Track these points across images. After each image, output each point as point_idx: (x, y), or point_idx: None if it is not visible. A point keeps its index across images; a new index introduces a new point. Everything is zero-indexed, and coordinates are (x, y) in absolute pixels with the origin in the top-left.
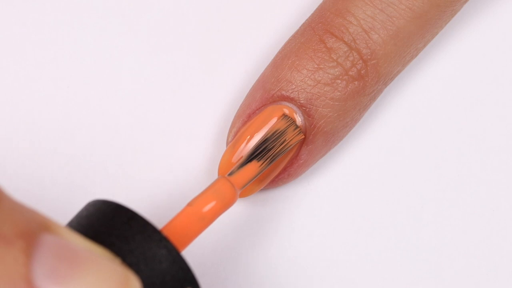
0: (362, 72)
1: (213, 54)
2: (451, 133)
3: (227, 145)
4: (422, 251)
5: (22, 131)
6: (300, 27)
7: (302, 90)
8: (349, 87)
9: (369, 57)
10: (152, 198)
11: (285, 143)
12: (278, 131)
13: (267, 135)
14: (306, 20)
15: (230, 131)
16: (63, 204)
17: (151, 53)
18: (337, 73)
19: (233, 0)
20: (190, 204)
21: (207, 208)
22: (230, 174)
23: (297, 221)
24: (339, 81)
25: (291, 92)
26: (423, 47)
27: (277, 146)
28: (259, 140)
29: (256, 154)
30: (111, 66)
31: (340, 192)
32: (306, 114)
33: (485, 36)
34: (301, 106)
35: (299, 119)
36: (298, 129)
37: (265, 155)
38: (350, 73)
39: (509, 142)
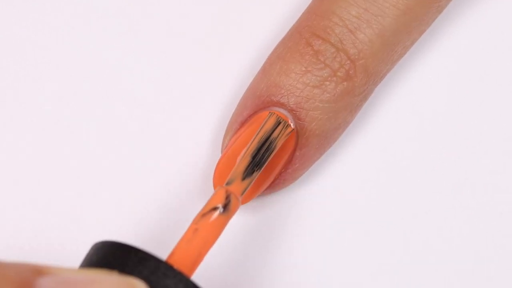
0: (350, 72)
1: (206, 62)
2: (447, 130)
3: (222, 151)
4: (419, 253)
5: (22, 131)
6: (287, 32)
7: (292, 94)
8: (338, 88)
9: (356, 57)
10: (143, 206)
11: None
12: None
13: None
14: (293, 25)
15: (224, 139)
16: (63, 206)
17: (144, 60)
18: (326, 74)
19: (223, 8)
20: (195, 222)
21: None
22: (229, 184)
23: (294, 225)
24: (327, 82)
25: (281, 97)
26: (410, 45)
27: (270, 150)
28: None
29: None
30: (102, 71)
31: (336, 195)
32: (297, 118)
33: (473, 32)
34: (291, 110)
35: (290, 124)
36: (283, 123)
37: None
38: (339, 74)
39: (501, 138)
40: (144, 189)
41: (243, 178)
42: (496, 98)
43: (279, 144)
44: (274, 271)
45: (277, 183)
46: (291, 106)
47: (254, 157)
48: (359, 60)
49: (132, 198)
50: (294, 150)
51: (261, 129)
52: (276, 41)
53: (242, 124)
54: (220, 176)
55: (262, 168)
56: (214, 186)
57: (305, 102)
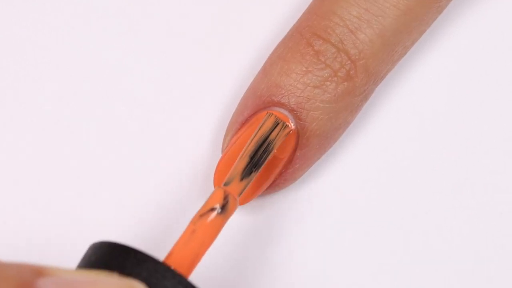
0: (351, 72)
1: (206, 62)
2: (447, 130)
3: (222, 151)
4: (419, 253)
5: (22, 131)
6: (288, 32)
7: (292, 94)
8: (339, 88)
9: (357, 57)
10: (143, 206)
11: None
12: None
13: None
14: (293, 25)
15: (224, 139)
16: (63, 206)
17: (144, 60)
18: (326, 75)
19: (223, 8)
20: (193, 222)
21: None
22: (226, 184)
23: (294, 225)
24: (328, 83)
25: (282, 97)
26: (411, 45)
27: (268, 150)
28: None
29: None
30: (102, 71)
31: (336, 195)
32: (298, 118)
33: (473, 32)
34: (292, 111)
35: (291, 124)
36: (281, 124)
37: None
38: (339, 74)
39: (501, 138)
40: (144, 189)
41: (241, 179)
42: (496, 98)
43: (277, 144)
44: (274, 271)
45: (277, 183)
46: (292, 106)
47: (252, 157)
48: (360, 60)
49: (132, 198)
50: (295, 150)
51: (259, 129)
52: (276, 41)
53: (243, 124)
54: (221, 176)
55: (260, 169)
56: (215, 186)
57: (305, 102)
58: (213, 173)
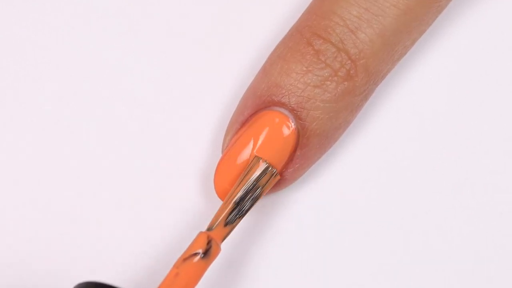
0: (351, 72)
1: (206, 62)
2: (447, 130)
3: (222, 151)
4: (419, 253)
5: (22, 131)
6: (288, 32)
7: (293, 94)
8: (339, 88)
9: (357, 56)
10: (143, 206)
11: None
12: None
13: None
14: (293, 25)
15: (224, 139)
16: (63, 206)
17: (144, 60)
18: (326, 74)
19: (223, 8)
20: (176, 266)
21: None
22: (210, 229)
23: (294, 225)
24: (328, 82)
25: (282, 97)
26: (411, 45)
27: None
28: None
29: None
30: (102, 71)
31: (336, 195)
32: (298, 117)
33: (473, 32)
34: (292, 110)
35: (291, 124)
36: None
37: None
38: (339, 73)
39: (501, 138)
40: (144, 189)
41: (225, 225)
42: (496, 98)
43: (264, 192)
44: (274, 271)
45: (277, 183)
46: (292, 106)
47: (238, 203)
48: (360, 60)
49: (132, 198)
50: (295, 150)
51: (246, 173)
52: (276, 41)
53: (243, 124)
54: (220, 176)
55: (245, 215)
56: (215, 186)
57: (306, 102)
58: (213, 173)
